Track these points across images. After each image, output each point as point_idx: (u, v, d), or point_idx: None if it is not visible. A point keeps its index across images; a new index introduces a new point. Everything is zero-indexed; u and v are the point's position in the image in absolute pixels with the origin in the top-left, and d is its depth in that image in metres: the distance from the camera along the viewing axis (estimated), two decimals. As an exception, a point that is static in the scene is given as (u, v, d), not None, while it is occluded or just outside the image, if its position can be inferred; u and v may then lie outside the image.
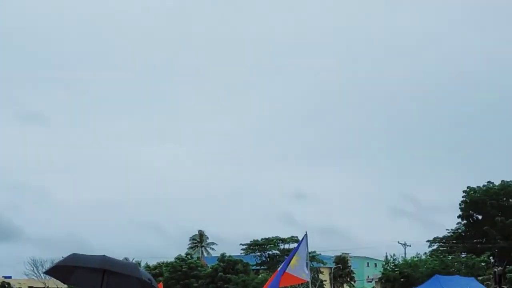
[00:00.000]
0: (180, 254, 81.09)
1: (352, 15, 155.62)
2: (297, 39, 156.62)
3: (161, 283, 65.67)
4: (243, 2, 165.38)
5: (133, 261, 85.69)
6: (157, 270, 78.05)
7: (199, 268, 76.37)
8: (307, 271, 16.68)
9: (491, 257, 76.79)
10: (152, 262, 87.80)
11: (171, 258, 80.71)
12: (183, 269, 74.75)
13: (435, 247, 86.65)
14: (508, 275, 65.46)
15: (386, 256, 74.11)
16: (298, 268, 16.18)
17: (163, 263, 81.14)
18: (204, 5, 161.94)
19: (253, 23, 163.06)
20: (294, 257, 16.27)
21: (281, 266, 17.28)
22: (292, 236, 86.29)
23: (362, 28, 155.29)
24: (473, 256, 67.04)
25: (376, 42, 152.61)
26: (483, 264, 68.00)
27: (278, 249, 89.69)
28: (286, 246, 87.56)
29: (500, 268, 61.01)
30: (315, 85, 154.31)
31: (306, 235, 16.84)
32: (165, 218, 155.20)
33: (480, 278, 58.78)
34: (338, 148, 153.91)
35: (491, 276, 58.38)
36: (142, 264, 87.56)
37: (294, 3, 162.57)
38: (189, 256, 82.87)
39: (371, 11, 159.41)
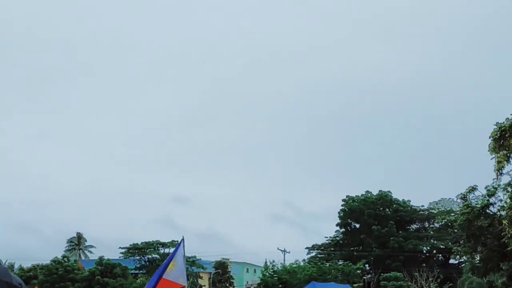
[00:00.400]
0: (56, 257, 79.02)
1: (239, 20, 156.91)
2: (194, 44, 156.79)
3: (35, 286, 64.06)
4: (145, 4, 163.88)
5: (6, 263, 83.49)
6: (32, 273, 75.79)
7: (75, 271, 74.64)
8: (184, 276, 16.52)
9: (366, 265, 79.07)
10: (27, 264, 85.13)
11: (46, 261, 78.64)
12: (59, 272, 72.89)
13: (313, 254, 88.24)
14: (382, 282, 67.38)
15: (266, 262, 74.87)
16: (174, 273, 15.99)
17: (38, 266, 78.76)
18: (101, 4, 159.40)
19: (150, 25, 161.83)
20: (171, 262, 16.09)
21: (155, 272, 17.08)
22: (173, 240, 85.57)
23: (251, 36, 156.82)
24: (350, 264, 68.58)
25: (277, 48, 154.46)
26: (358, 271, 69.83)
27: (158, 253, 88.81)
28: (167, 250, 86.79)
29: (369, 275, 62.94)
30: (204, 90, 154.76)
31: (183, 239, 16.70)
32: (42, 219, 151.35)
33: (355, 285, 60.40)
34: (222, 155, 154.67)
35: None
36: (16, 266, 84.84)
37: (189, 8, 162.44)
38: (65, 259, 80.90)
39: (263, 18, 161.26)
